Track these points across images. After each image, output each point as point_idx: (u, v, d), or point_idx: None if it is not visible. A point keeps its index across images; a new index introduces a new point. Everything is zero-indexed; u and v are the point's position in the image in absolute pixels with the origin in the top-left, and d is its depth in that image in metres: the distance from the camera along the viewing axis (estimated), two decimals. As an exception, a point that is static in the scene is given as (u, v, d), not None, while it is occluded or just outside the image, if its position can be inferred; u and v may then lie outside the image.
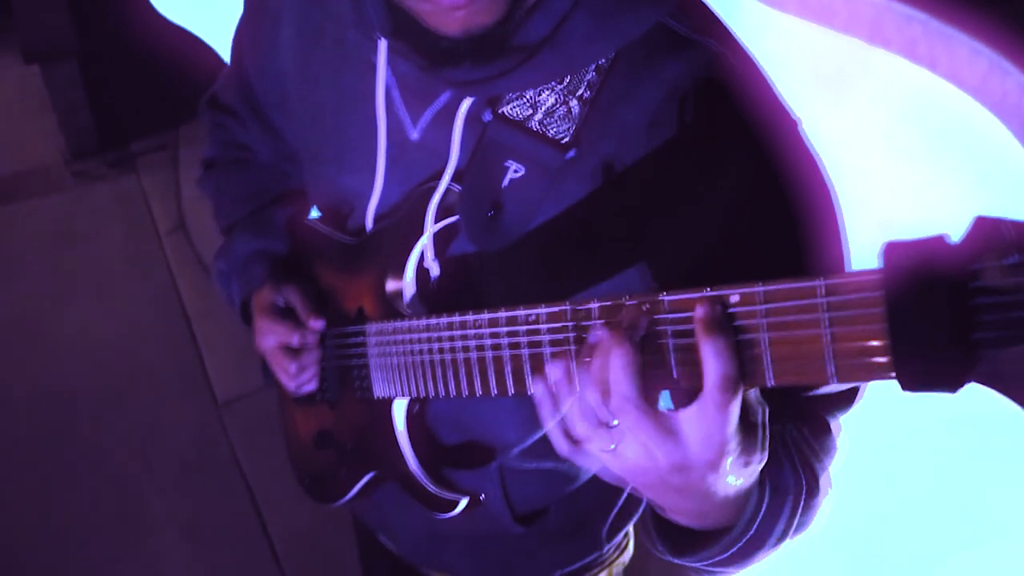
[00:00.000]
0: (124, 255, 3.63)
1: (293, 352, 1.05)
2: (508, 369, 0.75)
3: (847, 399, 0.86)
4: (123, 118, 4.13)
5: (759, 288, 0.56)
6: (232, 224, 1.21)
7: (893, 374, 0.49)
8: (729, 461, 0.62)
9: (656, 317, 0.62)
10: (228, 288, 1.19)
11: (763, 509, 0.70)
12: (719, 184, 0.78)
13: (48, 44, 3.89)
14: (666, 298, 0.61)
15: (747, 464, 0.64)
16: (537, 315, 0.71)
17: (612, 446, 0.64)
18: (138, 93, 4.04)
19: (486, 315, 0.76)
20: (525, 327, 0.72)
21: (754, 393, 0.63)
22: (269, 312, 1.07)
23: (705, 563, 0.73)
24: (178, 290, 3.40)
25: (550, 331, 0.70)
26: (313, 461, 1.15)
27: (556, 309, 0.69)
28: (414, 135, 0.90)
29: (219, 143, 1.25)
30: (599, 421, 0.64)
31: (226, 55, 1.21)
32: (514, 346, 0.74)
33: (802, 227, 0.76)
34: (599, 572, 1.18)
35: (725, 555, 0.71)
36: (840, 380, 0.52)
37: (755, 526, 0.70)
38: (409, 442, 0.96)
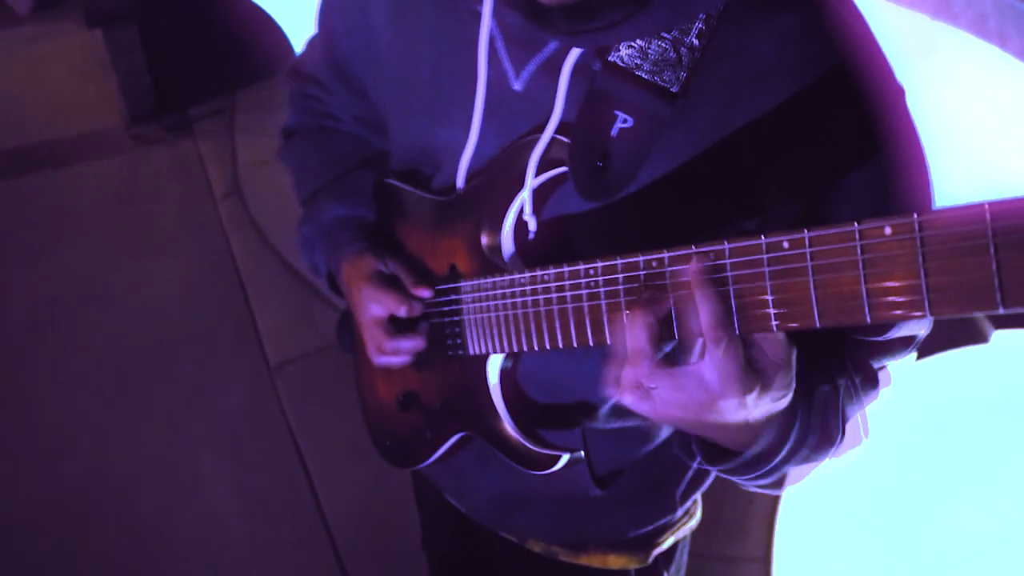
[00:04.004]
0: (180, 218, 3.71)
1: (392, 328, 1.05)
2: (605, 319, 0.77)
3: (904, 344, 0.89)
4: (181, 83, 4.20)
5: (914, 218, 0.54)
6: (316, 191, 1.19)
7: None
8: (753, 396, 0.69)
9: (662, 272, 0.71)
10: (311, 255, 1.19)
11: (791, 440, 0.79)
12: (828, 142, 0.79)
13: (110, 8, 3.97)
14: (728, 246, 0.66)
15: (776, 399, 0.71)
16: (644, 261, 0.73)
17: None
18: (197, 59, 4.11)
19: (599, 263, 0.76)
20: (630, 274, 0.75)
21: (782, 335, 0.68)
22: (375, 280, 1.05)
23: (731, 470, 0.82)
24: (232, 253, 3.47)
25: (626, 280, 0.75)
26: (396, 424, 1.15)
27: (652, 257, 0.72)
28: (517, 85, 0.89)
29: (302, 112, 1.24)
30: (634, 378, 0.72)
31: (284, 23, 1.22)
32: (615, 294, 0.76)
33: (901, 192, 0.80)
34: (668, 536, 1.18)
35: (755, 468, 0.81)
36: (1008, 306, 0.51)
37: (785, 448, 0.79)
38: (503, 399, 0.96)
